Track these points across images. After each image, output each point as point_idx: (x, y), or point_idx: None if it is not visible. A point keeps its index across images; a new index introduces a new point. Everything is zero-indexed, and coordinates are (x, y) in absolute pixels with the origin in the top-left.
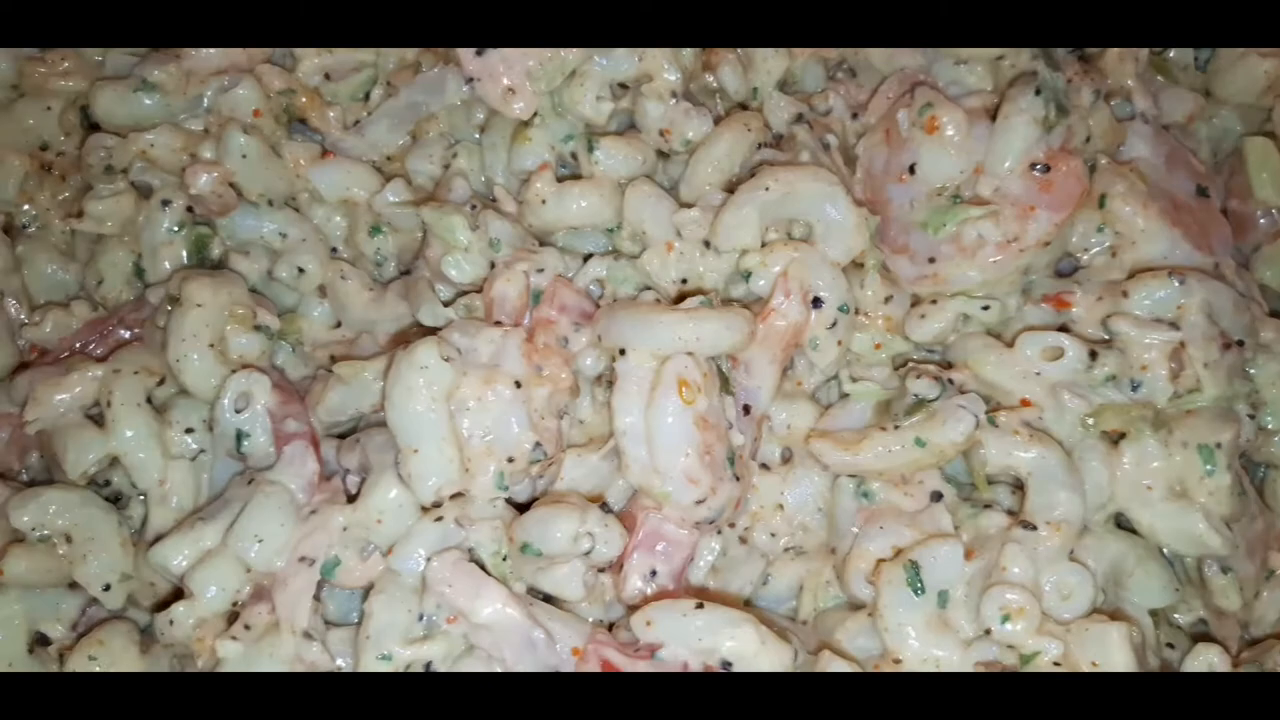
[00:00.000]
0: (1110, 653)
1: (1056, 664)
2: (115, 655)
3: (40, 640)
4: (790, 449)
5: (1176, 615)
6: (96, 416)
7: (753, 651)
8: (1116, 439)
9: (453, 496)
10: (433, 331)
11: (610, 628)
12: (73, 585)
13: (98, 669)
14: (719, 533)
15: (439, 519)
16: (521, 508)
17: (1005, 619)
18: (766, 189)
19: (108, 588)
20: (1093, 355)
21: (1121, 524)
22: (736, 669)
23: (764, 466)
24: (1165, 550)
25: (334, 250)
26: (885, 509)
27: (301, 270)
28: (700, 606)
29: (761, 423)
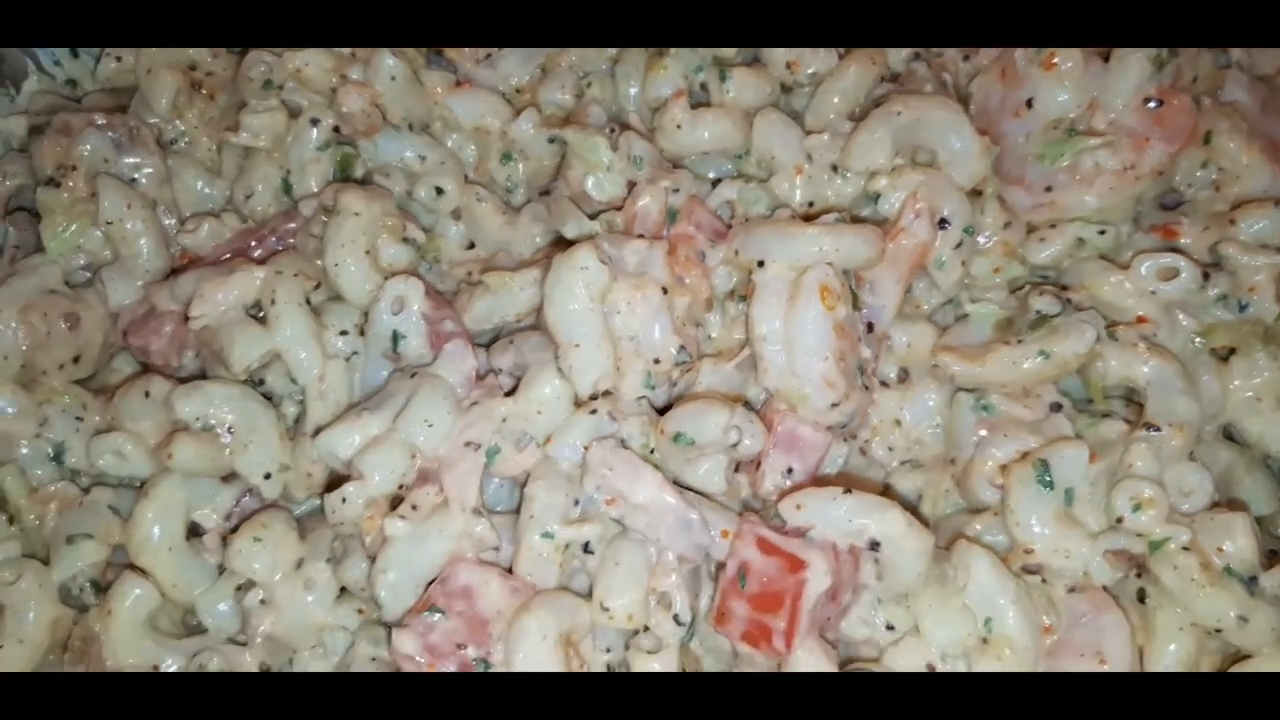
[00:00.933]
0: (1236, 538)
1: (1185, 548)
2: (278, 539)
3: (194, 530)
4: (908, 369)
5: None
6: (257, 316)
7: (900, 533)
8: (1226, 355)
9: (604, 394)
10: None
11: None
12: (227, 479)
13: (260, 553)
14: (844, 442)
15: (593, 412)
16: (659, 412)
17: (1136, 508)
18: (898, 113)
19: (268, 476)
20: (1205, 276)
21: (1230, 436)
22: (884, 550)
23: (883, 384)
24: (1271, 462)
25: (465, 177)
26: (1005, 420)
27: (440, 191)
28: (848, 492)
29: (882, 341)
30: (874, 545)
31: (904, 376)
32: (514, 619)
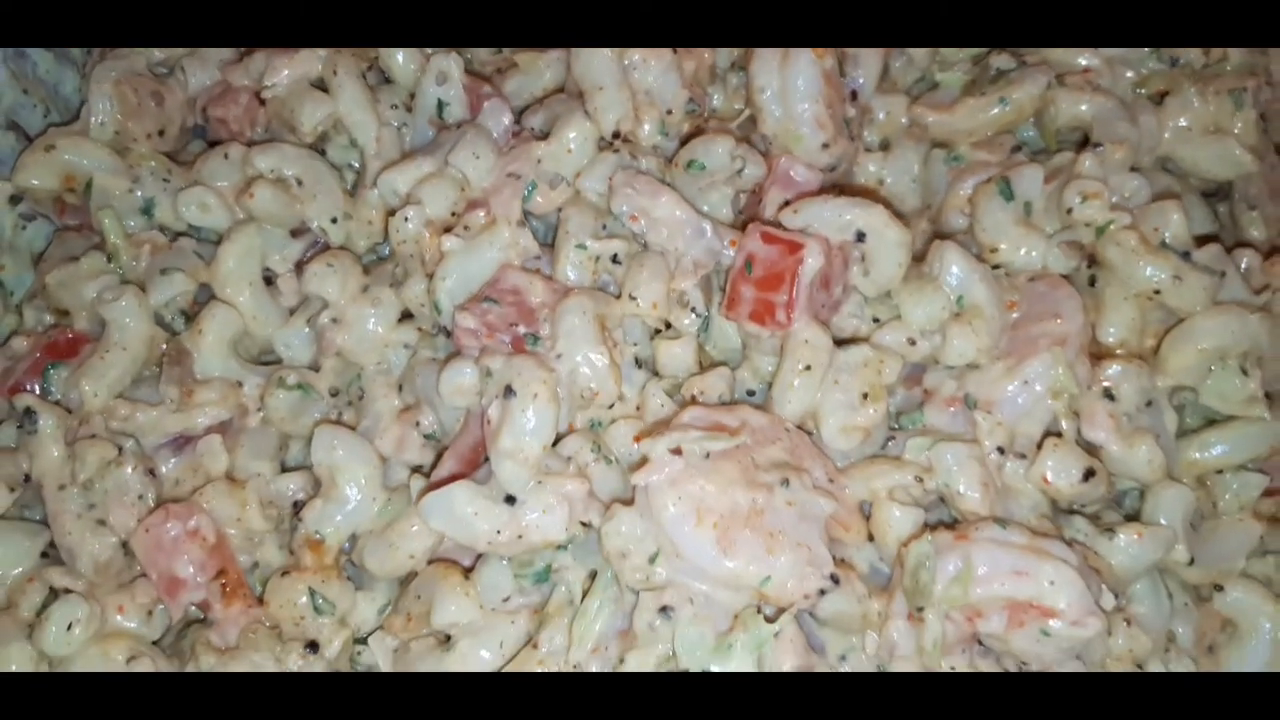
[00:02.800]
0: (1171, 221)
1: (1129, 227)
2: (346, 267)
3: (268, 280)
4: (888, 139)
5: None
6: (321, 88)
7: (882, 224)
8: (1160, 99)
9: (625, 141)
10: None
11: None
12: (296, 233)
13: (332, 276)
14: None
15: (615, 150)
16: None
17: (1083, 200)
18: None
19: (334, 220)
20: None
21: (1168, 169)
22: (869, 241)
23: (866, 150)
24: (1203, 185)
25: None
26: (973, 165)
27: None
28: (837, 193)
29: (865, 113)
30: (860, 237)
31: (885, 145)
32: (558, 304)
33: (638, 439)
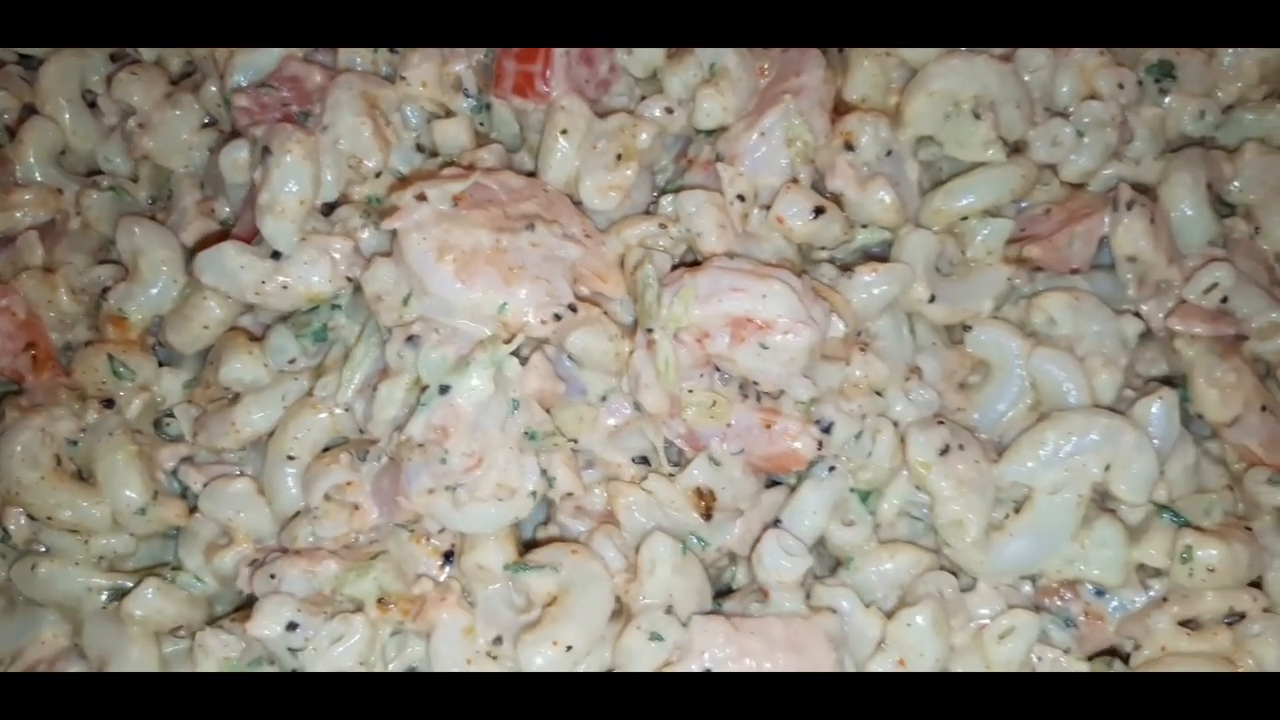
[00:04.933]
0: None
1: None
2: (150, 79)
3: (91, 101)
4: None
5: None
6: None
7: None
8: None
9: None
10: None
11: None
12: (115, 57)
13: (136, 83)
14: None
15: None
16: None
17: None
18: None
19: None
20: None
21: None
22: None
23: None
24: None
25: None
26: None
27: None
28: None
29: None
30: None
31: None
32: (330, 86)
33: (389, 190)
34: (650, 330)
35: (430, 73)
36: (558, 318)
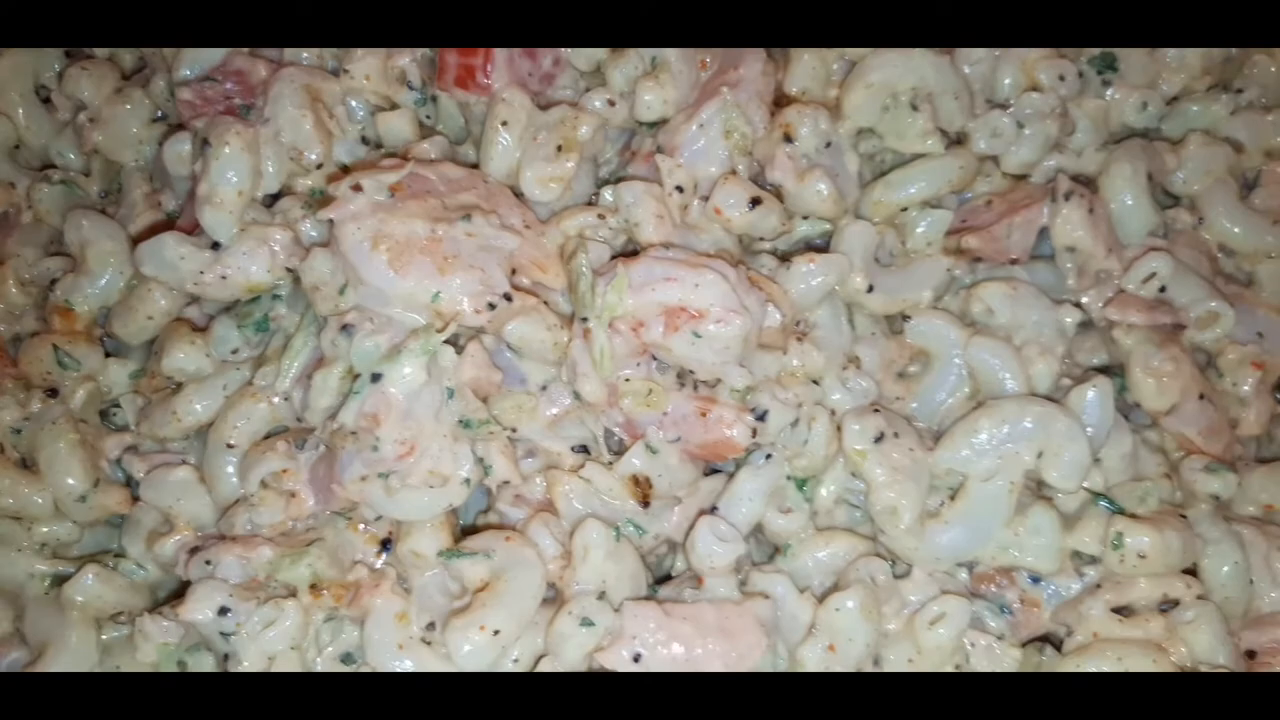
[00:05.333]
0: None
1: None
2: (102, 71)
3: (45, 97)
4: None
5: None
6: None
7: None
8: None
9: None
10: None
11: None
12: (71, 54)
13: (87, 78)
14: None
15: None
16: None
17: None
18: None
19: None
20: None
21: None
22: None
23: None
24: None
25: None
26: None
27: None
28: None
29: None
30: None
31: None
32: (273, 79)
33: (328, 180)
34: (585, 319)
35: (374, 66)
36: (492, 306)
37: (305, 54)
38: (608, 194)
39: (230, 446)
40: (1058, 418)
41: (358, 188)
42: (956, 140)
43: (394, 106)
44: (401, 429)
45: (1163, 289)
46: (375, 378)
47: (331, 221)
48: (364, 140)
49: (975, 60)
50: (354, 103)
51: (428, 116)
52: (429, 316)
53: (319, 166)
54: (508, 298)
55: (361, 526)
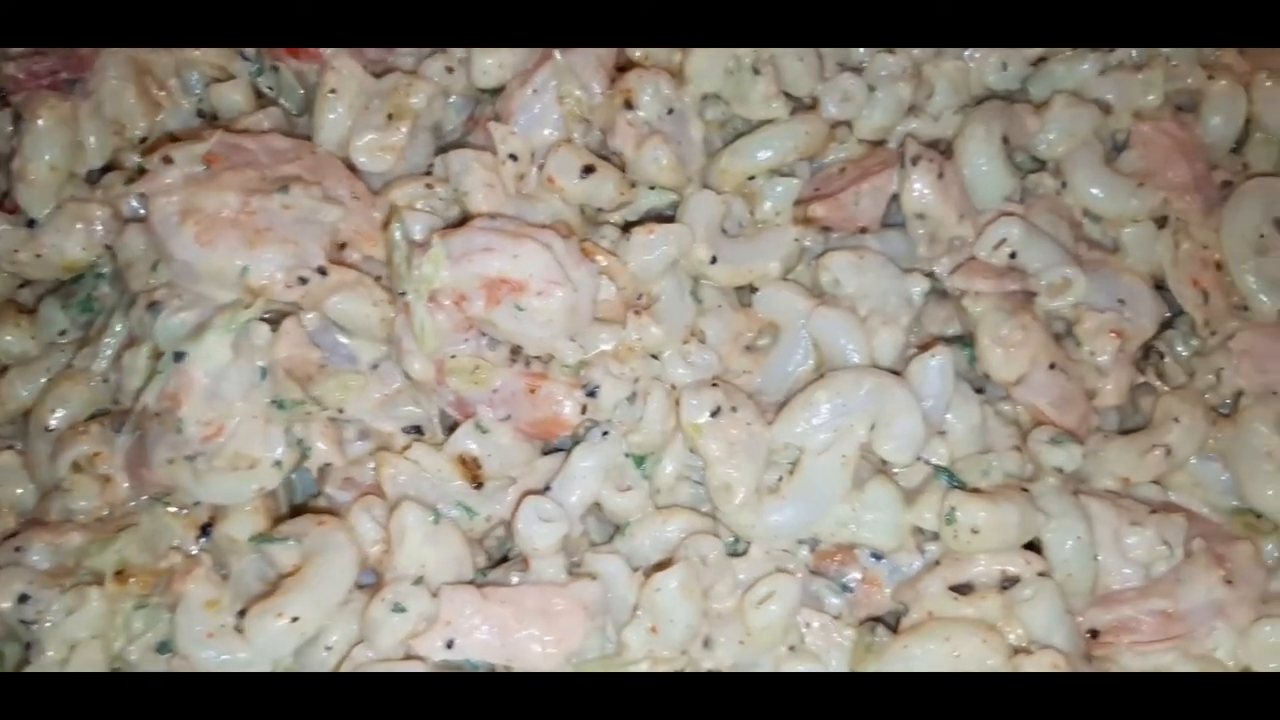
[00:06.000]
0: None
1: None
2: None
3: None
4: None
5: None
6: None
7: None
8: None
9: None
10: None
11: None
12: None
13: None
14: None
15: None
16: None
17: None
18: None
19: None
20: None
21: None
22: None
23: None
24: None
25: None
26: None
27: None
28: None
29: None
30: None
31: None
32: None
33: (143, 154)
34: (404, 294)
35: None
36: (303, 281)
37: None
38: (440, 163)
39: (49, 430)
40: (892, 389)
41: (169, 160)
42: (810, 105)
43: (230, 77)
44: (206, 409)
45: (1013, 255)
46: (178, 356)
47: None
48: (200, 114)
49: None
50: (190, 74)
51: (270, 87)
52: (239, 292)
53: (143, 140)
54: (322, 271)
55: (181, 511)
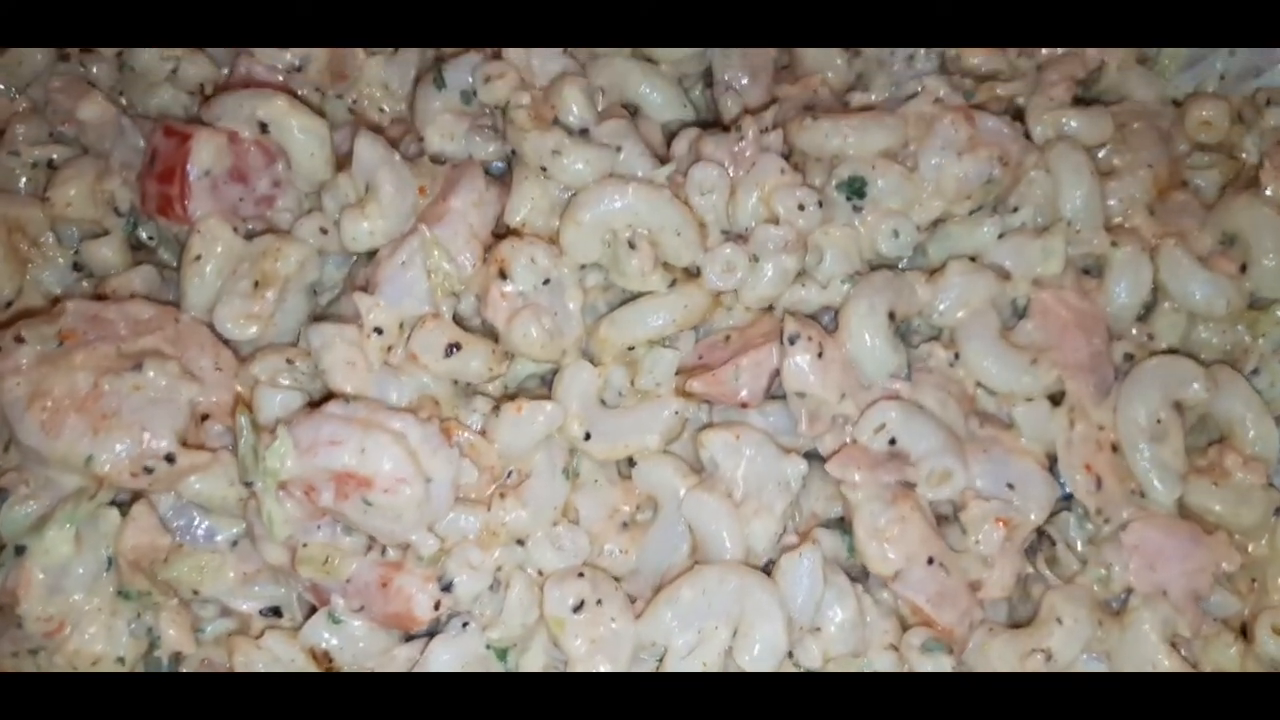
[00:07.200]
0: (565, 99)
1: (522, 105)
2: None
3: None
4: None
5: None
6: None
7: (283, 114)
8: None
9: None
10: None
11: None
12: None
13: None
14: None
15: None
16: None
17: (487, 81)
18: None
19: None
20: None
21: None
22: (275, 132)
23: None
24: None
25: None
26: None
27: None
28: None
29: None
30: (264, 128)
31: None
32: None
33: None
34: (251, 484)
35: (81, 190)
36: (149, 471)
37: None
38: (306, 333)
39: None
40: (755, 591)
41: (20, 339)
42: (695, 274)
43: (105, 233)
44: (46, 605)
45: (893, 441)
46: (19, 550)
47: None
48: (76, 267)
49: (707, 189)
50: (66, 229)
51: (150, 238)
52: (86, 479)
53: (8, 305)
54: (169, 459)
55: None
